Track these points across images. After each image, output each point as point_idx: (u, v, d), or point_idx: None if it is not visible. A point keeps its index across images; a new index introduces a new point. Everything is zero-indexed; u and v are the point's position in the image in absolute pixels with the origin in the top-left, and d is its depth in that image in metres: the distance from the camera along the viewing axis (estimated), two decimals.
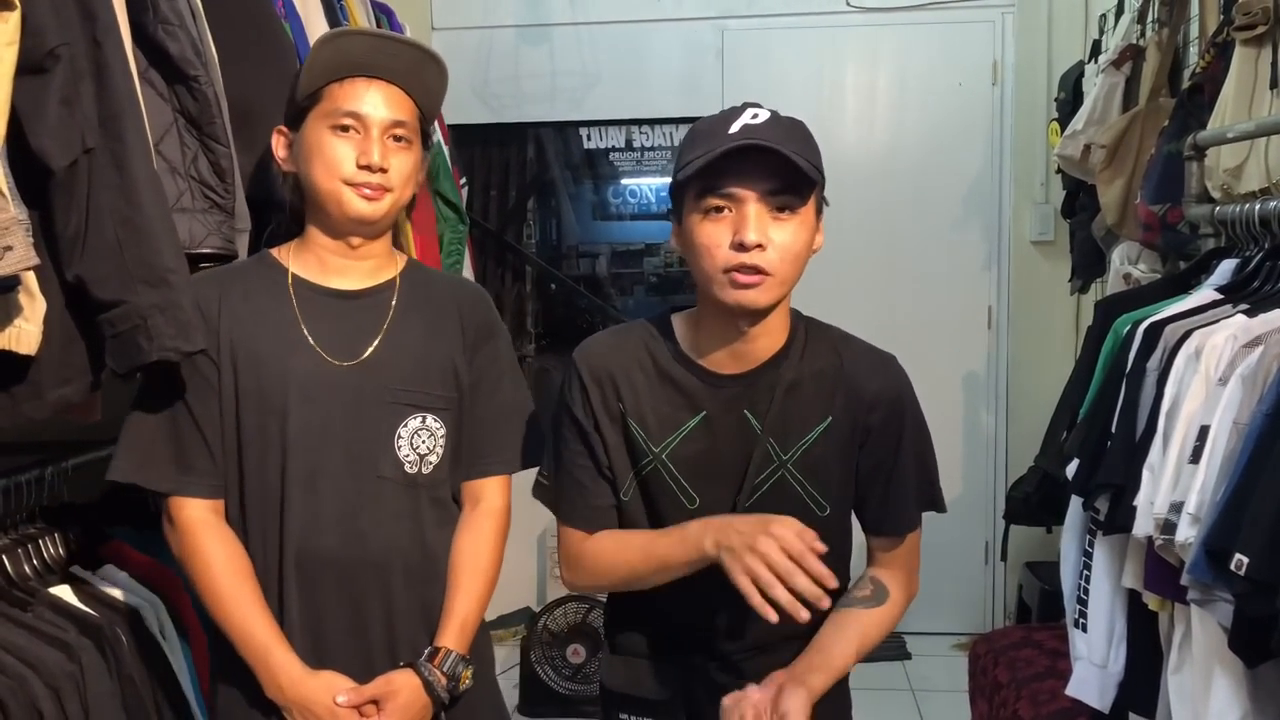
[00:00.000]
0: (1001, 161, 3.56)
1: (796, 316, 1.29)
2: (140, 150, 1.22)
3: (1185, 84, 2.19)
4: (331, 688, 1.28)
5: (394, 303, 1.38)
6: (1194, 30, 2.34)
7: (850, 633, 1.26)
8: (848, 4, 3.56)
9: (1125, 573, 1.49)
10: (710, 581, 1.15)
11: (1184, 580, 1.23)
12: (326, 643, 1.32)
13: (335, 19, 1.99)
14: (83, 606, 1.48)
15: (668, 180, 1.25)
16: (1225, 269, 1.63)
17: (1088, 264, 2.91)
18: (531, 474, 1.40)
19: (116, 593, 1.54)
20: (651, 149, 3.85)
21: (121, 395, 1.35)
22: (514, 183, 3.93)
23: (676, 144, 3.46)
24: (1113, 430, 1.50)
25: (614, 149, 3.87)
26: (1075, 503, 1.62)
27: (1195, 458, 1.29)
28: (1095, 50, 2.92)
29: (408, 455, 1.35)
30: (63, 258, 1.18)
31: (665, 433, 1.25)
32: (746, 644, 1.30)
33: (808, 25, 3.59)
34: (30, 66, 1.08)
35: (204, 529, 1.30)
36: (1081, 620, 1.57)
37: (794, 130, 1.16)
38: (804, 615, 1.06)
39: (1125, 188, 2.37)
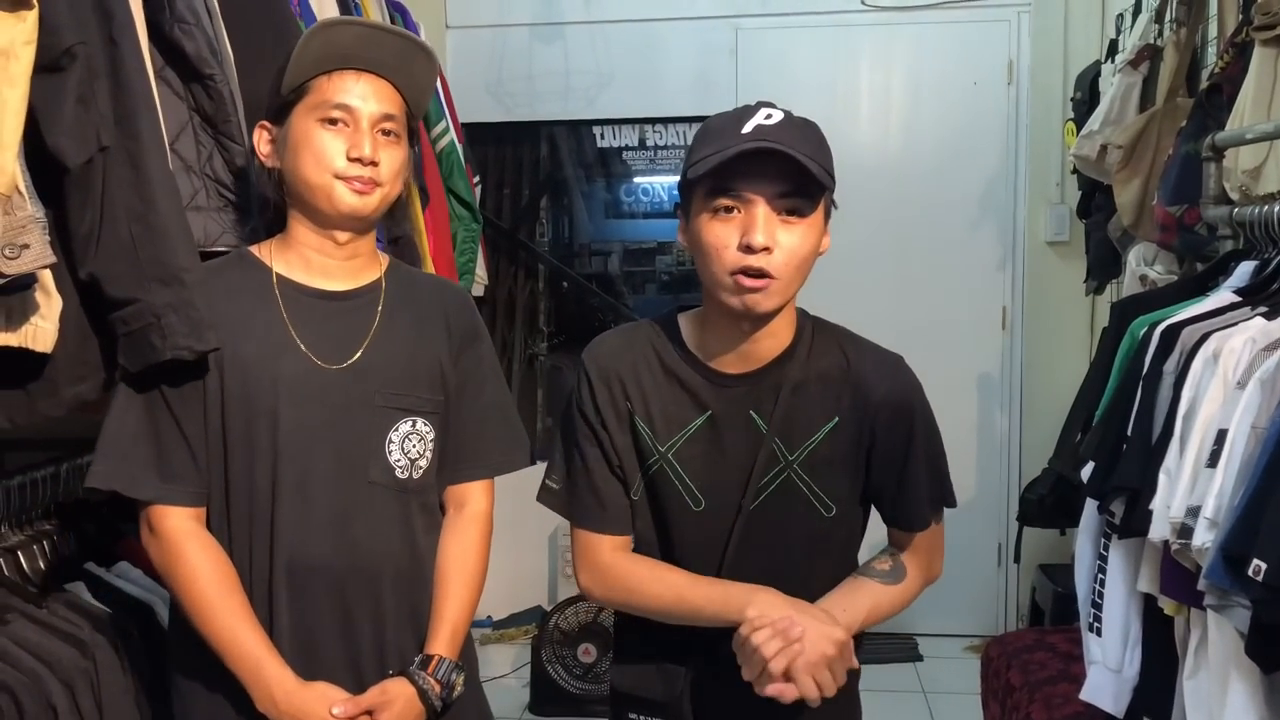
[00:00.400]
0: (1017, 161, 3.54)
1: (803, 316, 1.28)
2: (155, 148, 1.22)
3: (1203, 84, 2.17)
4: (326, 699, 1.25)
5: (380, 305, 1.35)
6: (1212, 30, 2.32)
7: (862, 599, 1.24)
8: (862, 3, 3.54)
9: (1141, 577, 1.47)
10: None
11: (1201, 585, 1.22)
12: (316, 651, 1.29)
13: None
14: (97, 603, 1.49)
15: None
16: (1243, 271, 1.61)
17: (1103, 265, 2.89)
18: (529, 475, 1.38)
19: (130, 589, 1.55)
20: (664, 148, 3.84)
21: None
22: (527, 181, 3.94)
23: (689, 143, 3.44)
24: (1129, 433, 1.49)
25: (627, 147, 3.87)
26: (1090, 506, 1.60)
27: (1213, 462, 1.27)
28: (1112, 50, 2.91)
29: (399, 460, 1.33)
30: (76, 255, 1.18)
31: (671, 432, 1.25)
32: None
33: (822, 24, 3.58)
34: (47, 65, 1.08)
35: (188, 539, 1.25)
36: (1096, 624, 1.56)
37: (807, 133, 1.16)
38: (790, 698, 1.12)
39: (1142, 188, 2.35)
